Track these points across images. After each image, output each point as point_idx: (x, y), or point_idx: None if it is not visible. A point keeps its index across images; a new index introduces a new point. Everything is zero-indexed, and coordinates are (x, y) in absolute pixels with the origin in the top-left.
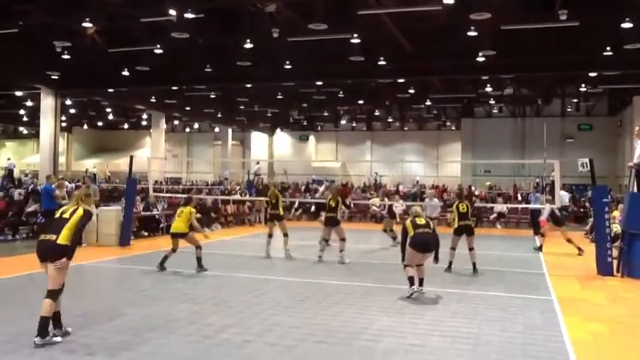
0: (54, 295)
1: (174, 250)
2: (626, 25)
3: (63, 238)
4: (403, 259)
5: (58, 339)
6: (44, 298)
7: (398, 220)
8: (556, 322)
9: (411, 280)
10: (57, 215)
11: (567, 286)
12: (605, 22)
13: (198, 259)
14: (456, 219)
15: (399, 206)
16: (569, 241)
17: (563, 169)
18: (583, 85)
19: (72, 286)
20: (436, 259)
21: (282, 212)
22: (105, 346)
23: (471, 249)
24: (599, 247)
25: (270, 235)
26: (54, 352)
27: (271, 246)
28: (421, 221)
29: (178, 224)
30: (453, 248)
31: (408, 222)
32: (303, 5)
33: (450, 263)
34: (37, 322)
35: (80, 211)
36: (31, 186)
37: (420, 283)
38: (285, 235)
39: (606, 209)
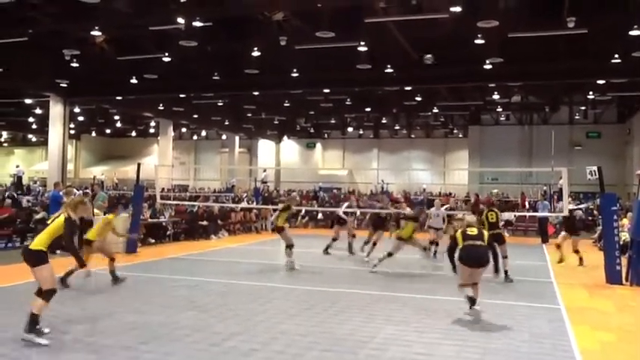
0: (47, 295)
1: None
2: (635, 32)
3: (36, 243)
4: (454, 269)
5: (44, 341)
6: (35, 293)
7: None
8: (564, 331)
9: (471, 300)
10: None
11: (575, 294)
12: (613, 29)
13: (66, 275)
14: (487, 228)
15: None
16: (576, 251)
17: (572, 177)
18: (591, 93)
19: (79, 292)
20: (496, 271)
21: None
22: (110, 354)
23: (504, 257)
24: (608, 256)
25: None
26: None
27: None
28: (473, 232)
29: (91, 232)
30: None
31: (458, 233)
32: (311, 13)
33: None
34: (47, 327)
35: (61, 219)
36: (7, 192)
37: (473, 303)
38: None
39: (615, 217)
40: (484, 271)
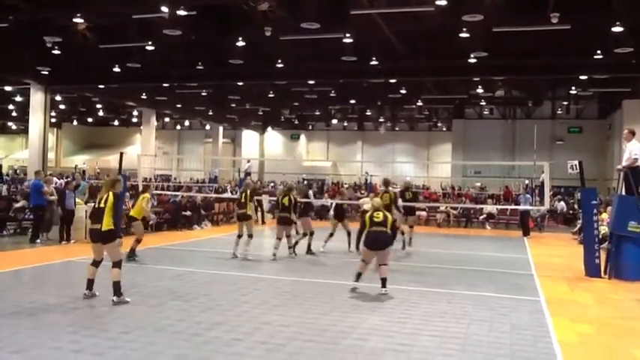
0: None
1: None
2: (617, 28)
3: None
4: (357, 247)
5: (128, 299)
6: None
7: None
8: (544, 323)
9: (358, 275)
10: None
11: (555, 287)
12: (596, 26)
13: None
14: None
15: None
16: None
17: (553, 171)
18: (573, 88)
19: (61, 282)
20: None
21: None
22: (93, 344)
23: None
24: (587, 249)
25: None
26: (41, 349)
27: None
28: (378, 217)
29: (135, 210)
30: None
31: (367, 217)
32: (296, 4)
33: None
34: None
35: (112, 198)
36: None
37: (383, 284)
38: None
39: (595, 211)
40: (381, 252)
